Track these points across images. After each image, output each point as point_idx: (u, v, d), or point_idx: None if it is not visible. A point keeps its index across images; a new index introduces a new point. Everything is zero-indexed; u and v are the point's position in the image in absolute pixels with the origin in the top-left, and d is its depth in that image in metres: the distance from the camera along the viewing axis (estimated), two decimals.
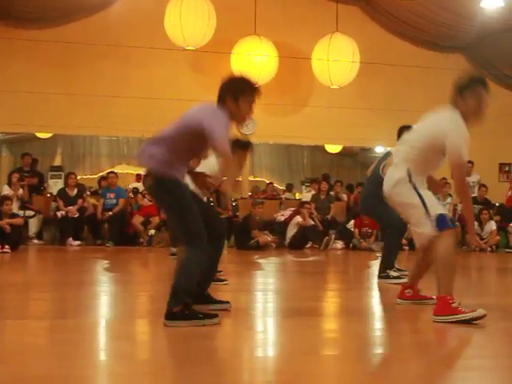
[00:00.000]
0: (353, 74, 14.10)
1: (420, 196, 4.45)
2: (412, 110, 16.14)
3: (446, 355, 3.44)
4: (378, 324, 4.51)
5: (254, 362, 3.22)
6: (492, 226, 13.38)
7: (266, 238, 12.38)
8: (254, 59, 13.63)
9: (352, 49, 13.92)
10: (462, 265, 10.77)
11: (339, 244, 12.98)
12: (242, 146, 6.04)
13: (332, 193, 14.60)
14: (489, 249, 13.11)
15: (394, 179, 4.62)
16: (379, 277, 6.83)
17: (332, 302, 5.82)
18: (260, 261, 10.01)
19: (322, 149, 18.84)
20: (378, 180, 7.11)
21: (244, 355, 3.38)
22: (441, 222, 4.35)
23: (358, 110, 14.78)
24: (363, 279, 6.85)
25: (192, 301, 4.04)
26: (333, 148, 18.42)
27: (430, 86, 14.93)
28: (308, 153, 20.81)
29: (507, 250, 12.84)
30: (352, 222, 13.12)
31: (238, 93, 4.17)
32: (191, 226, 4.06)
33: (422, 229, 4.44)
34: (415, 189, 4.47)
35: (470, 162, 14.33)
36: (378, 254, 8.28)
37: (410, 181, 4.49)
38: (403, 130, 7.26)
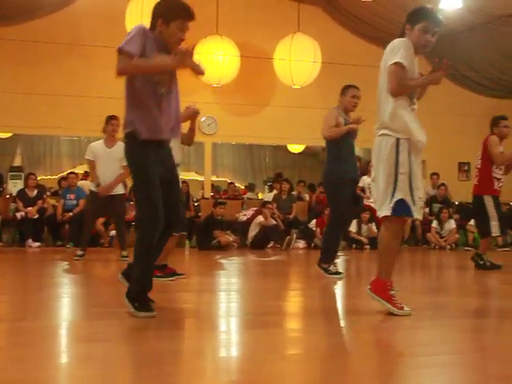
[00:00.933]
0: (314, 74, 14.18)
1: (396, 173, 4.32)
2: (373, 110, 16.37)
3: (407, 353, 3.48)
4: (341, 323, 4.54)
5: (217, 362, 3.21)
6: (451, 224, 13.60)
7: (228, 238, 12.37)
8: (216, 59, 13.62)
9: (314, 49, 14.01)
10: (422, 262, 10.93)
11: (301, 243, 13.04)
12: None
13: (294, 192, 14.67)
14: (448, 247, 13.33)
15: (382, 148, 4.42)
16: (318, 265, 6.99)
17: (295, 302, 5.84)
18: (222, 261, 10.01)
19: (284, 148, 18.93)
20: (335, 155, 7.12)
21: (207, 355, 3.37)
22: (398, 208, 4.33)
23: (320, 109, 14.74)
24: (325, 278, 6.88)
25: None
26: (295, 148, 18.51)
27: None
28: (270, 152, 20.88)
29: (466, 248, 13.04)
30: (314, 221, 13.20)
31: (169, 17, 4.16)
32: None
33: (379, 205, 4.45)
34: (396, 163, 4.32)
35: (435, 173, 14.60)
36: (339, 254, 8.33)
37: (397, 151, 4.32)
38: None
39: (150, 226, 4.19)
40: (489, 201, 8.20)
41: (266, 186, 17.24)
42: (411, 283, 7.41)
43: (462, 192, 14.66)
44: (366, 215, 12.85)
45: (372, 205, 13.28)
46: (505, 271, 8.40)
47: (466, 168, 16.72)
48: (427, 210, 14.54)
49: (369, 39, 15.67)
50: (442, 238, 13.54)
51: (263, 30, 14.80)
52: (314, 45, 14.05)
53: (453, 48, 14.88)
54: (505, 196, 14.60)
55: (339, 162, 6.89)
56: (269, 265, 10.07)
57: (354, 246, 12.72)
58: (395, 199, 4.33)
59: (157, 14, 4.20)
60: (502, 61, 15.10)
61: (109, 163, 8.89)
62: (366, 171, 13.33)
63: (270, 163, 21.02)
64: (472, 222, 13.25)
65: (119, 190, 9.12)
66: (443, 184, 14.70)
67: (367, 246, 12.72)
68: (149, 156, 4.18)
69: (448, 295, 6.17)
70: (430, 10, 4.47)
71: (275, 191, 14.50)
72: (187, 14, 4.19)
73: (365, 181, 13.30)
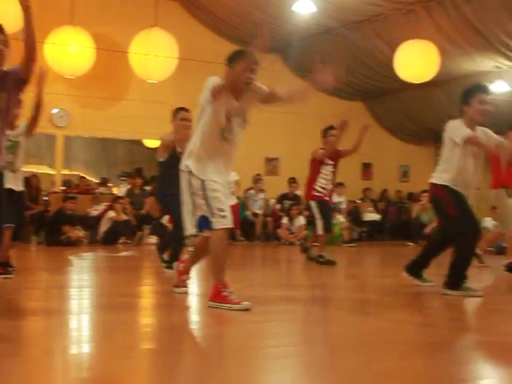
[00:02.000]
0: (171, 70, 14.17)
1: (193, 199, 4.73)
2: None
3: (240, 346, 3.58)
4: (189, 317, 4.62)
5: (67, 360, 3.17)
6: (301, 221, 14.09)
7: (78, 233, 12.13)
8: (69, 50, 13.26)
9: (171, 44, 13.98)
10: (272, 257, 11.24)
11: (153, 239, 12.98)
12: None
13: (148, 188, 14.59)
14: (297, 242, 13.78)
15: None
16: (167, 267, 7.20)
17: (146, 297, 5.85)
18: (72, 257, 9.81)
19: (139, 143, 18.74)
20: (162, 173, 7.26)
21: (56, 353, 3.32)
22: (201, 223, 4.72)
23: (176, 105, 14.81)
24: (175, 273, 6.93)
25: None
26: (150, 143, 18.37)
27: None
28: (125, 147, 20.59)
29: (314, 244, 13.49)
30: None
31: None
32: None
33: (185, 223, 4.86)
34: (190, 187, 4.75)
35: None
36: (190, 249, 8.41)
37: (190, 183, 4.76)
38: None
39: None
40: (313, 206, 8.90)
41: (120, 181, 16.98)
42: (260, 278, 7.61)
43: None
44: None
45: None
46: (350, 266, 8.83)
47: None
48: (278, 206, 14.96)
49: (225, 36, 15.84)
50: (291, 233, 13.99)
51: (120, 22, 14.58)
52: (170, 40, 14.01)
53: (308, 51, 15.32)
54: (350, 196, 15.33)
55: (163, 180, 7.16)
56: (119, 260, 9.99)
57: None
58: (196, 217, 4.75)
59: None
60: (355, 66, 15.71)
61: None
62: None
63: (125, 158, 20.72)
64: None
65: None
66: (294, 181, 15.16)
67: None
68: None
69: (291, 289, 6.38)
70: (246, 50, 4.89)
71: (129, 186, 14.37)
72: None
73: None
